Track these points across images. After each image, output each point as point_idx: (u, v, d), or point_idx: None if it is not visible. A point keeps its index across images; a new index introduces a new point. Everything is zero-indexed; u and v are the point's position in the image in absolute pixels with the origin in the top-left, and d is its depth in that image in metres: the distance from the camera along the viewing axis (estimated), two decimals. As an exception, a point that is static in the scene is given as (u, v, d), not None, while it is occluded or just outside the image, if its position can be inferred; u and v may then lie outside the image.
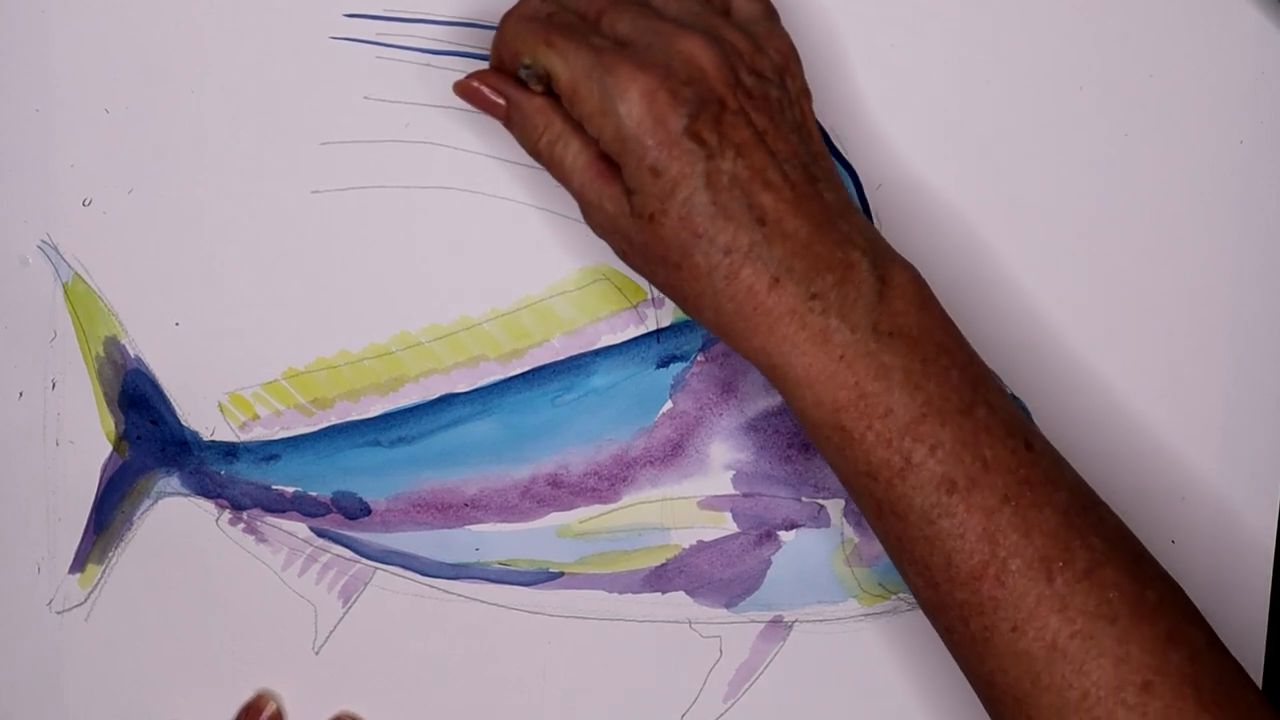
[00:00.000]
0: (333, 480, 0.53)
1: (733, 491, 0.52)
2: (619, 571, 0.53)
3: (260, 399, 0.53)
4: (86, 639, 0.54)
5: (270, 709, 0.54)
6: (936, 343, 0.43)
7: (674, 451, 0.52)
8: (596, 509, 0.53)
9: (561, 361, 0.52)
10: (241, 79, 0.51)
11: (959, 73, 0.51)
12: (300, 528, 0.54)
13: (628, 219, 0.43)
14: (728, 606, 0.53)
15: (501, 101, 0.45)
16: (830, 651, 0.53)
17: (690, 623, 0.54)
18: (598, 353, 0.52)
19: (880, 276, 0.43)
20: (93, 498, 0.53)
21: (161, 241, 0.52)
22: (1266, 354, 0.52)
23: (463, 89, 0.46)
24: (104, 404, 0.53)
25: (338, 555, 0.54)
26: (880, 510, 0.43)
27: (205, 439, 0.53)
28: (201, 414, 0.53)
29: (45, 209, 0.52)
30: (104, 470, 0.53)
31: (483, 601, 0.54)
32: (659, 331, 0.52)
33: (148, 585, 0.54)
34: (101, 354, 0.53)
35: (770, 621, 0.54)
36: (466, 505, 0.53)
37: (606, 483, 0.53)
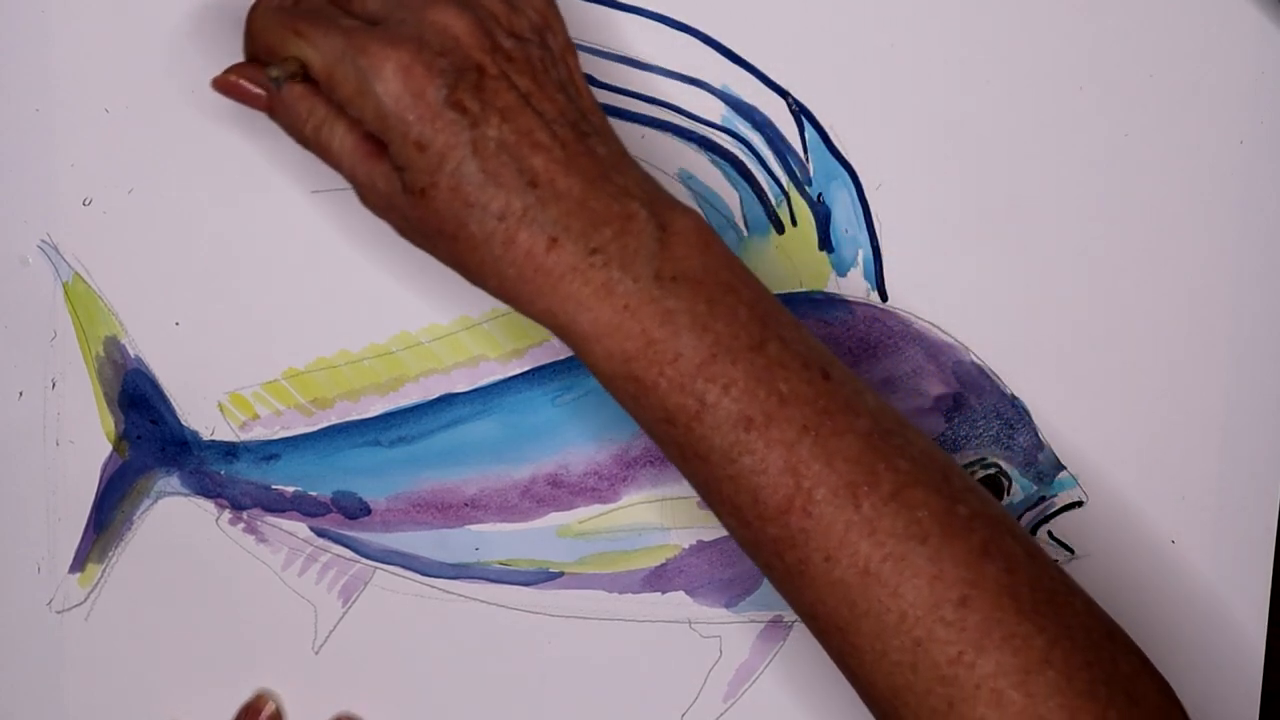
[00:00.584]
0: (333, 480, 0.53)
1: (733, 491, 0.52)
2: (619, 571, 0.53)
3: (260, 399, 0.53)
4: (86, 639, 0.54)
5: (269, 709, 0.54)
6: (722, 283, 0.42)
7: (674, 451, 0.52)
8: (596, 509, 0.53)
9: (561, 361, 0.52)
10: (241, 79, 0.51)
11: (959, 73, 0.51)
12: (300, 528, 0.54)
13: (400, 196, 0.42)
14: (728, 606, 0.53)
15: (261, 93, 0.45)
16: (830, 651, 0.53)
17: (690, 623, 0.54)
18: (598, 353, 0.52)
19: (660, 224, 0.42)
20: (93, 498, 0.53)
21: (161, 241, 0.52)
22: (1266, 354, 0.52)
23: (221, 84, 0.45)
24: (104, 404, 0.53)
25: (338, 555, 0.54)
26: (684, 455, 0.43)
27: (205, 439, 0.53)
28: (201, 414, 0.53)
29: (45, 209, 0.52)
30: (104, 470, 0.53)
31: (483, 601, 0.54)
32: (659, 331, 0.52)
33: (148, 585, 0.54)
34: (101, 354, 0.53)
35: (770, 621, 0.54)
36: (466, 505, 0.53)
37: (606, 482, 0.53)
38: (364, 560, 0.54)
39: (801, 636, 0.53)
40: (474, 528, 0.53)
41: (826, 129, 0.51)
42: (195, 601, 0.54)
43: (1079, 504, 0.53)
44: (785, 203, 0.51)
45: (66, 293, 0.52)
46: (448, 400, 0.52)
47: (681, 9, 0.50)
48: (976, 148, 0.51)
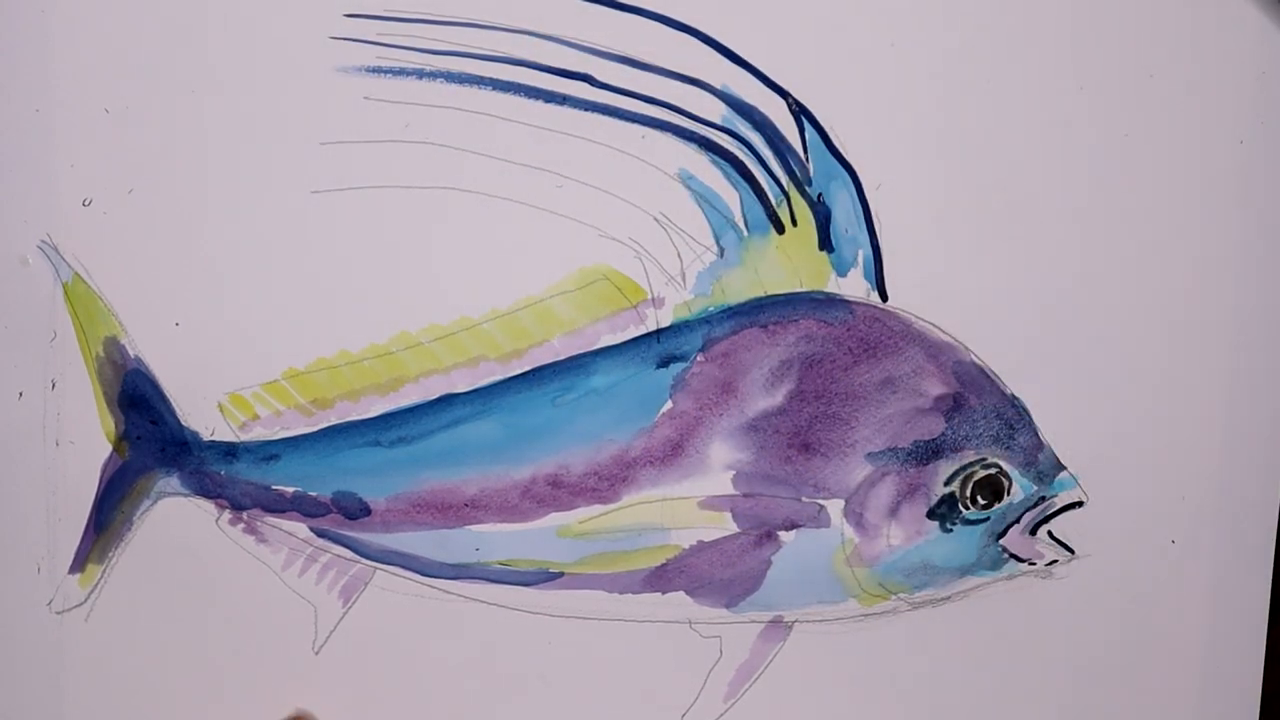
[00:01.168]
0: (333, 480, 0.53)
1: (733, 491, 0.52)
2: (619, 572, 0.53)
3: (260, 399, 0.53)
4: (86, 639, 0.54)
5: None
6: None
7: (674, 451, 0.52)
8: (596, 509, 0.53)
9: (561, 361, 0.52)
10: (241, 79, 0.51)
11: (959, 73, 0.51)
12: (300, 528, 0.54)
13: None
14: (728, 606, 0.53)
15: None
16: (830, 651, 0.53)
17: (690, 623, 0.54)
18: (598, 353, 0.52)
19: None
20: (93, 498, 0.53)
21: (161, 241, 0.52)
22: (1266, 354, 0.52)
23: None
24: (104, 404, 0.53)
25: (338, 555, 0.54)
26: None
27: (205, 439, 0.53)
28: (201, 414, 0.53)
29: (45, 209, 0.52)
30: (104, 470, 0.53)
31: (483, 601, 0.54)
32: (659, 331, 0.52)
33: (148, 585, 0.54)
34: (101, 354, 0.53)
35: (770, 621, 0.54)
36: (466, 505, 0.53)
37: (606, 483, 0.53)
38: (364, 560, 0.54)
39: (801, 636, 0.53)
40: (474, 528, 0.53)
41: (826, 129, 0.51)
42: (195, 602, 0.54)
43: (1079, 504, 0.53)
44: (785, 203, 0.51)
45: (66, 293, 0.52)
46: (448, 400, 0.52)
47: (681, 9, 0.50)
48: (976, 148, 0.51)
